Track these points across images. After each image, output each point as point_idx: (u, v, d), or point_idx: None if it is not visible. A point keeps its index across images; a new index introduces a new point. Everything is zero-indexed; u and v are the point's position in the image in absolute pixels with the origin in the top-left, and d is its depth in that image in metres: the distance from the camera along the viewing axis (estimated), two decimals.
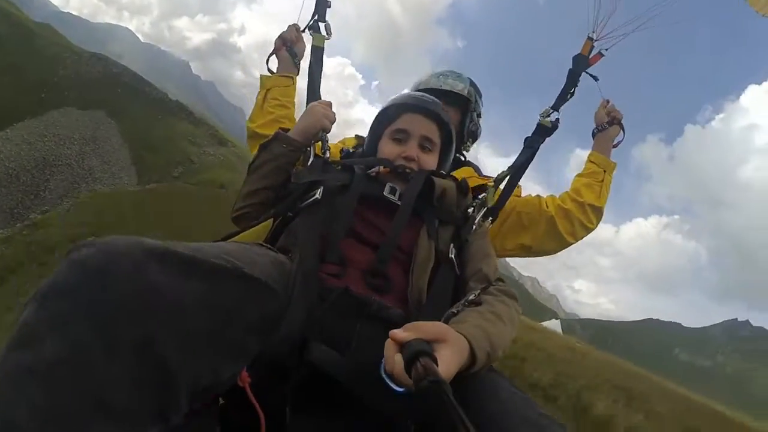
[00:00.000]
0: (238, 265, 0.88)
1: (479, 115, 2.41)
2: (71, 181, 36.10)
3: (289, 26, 2.26)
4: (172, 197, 25.25)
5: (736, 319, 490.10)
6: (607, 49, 2.26)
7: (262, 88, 2.20)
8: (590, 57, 2.24)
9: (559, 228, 2.13)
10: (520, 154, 2.10)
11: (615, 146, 2.32)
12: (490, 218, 1.88)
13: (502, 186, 2.01)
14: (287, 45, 2.22)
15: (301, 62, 2.26)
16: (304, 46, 2.29)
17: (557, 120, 2.15)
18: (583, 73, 2.24)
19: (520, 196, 2.21)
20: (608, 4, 2.18)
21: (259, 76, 2.26)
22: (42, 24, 59.00)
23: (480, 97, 2.43)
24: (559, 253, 2.28)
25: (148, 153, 41.09)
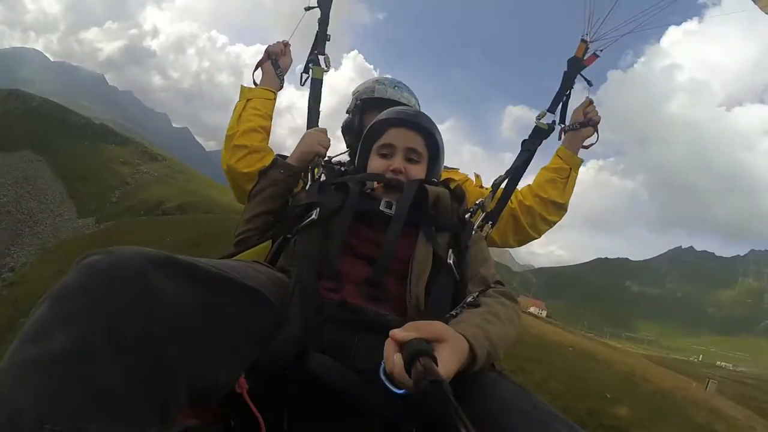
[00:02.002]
0: (235, 275, 0.93)
1: None
2: (14, 228, 34.91)
3: (278, 42, 2.29)
4: (127, 231, 25.87)
5: (680, 246, 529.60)
6: (602, 50, 2.23)
7: (242, 98, 2.16)
8: (585, 58, 2.23)
9: (522, 222, 2.14)
10: (517, 157, 2.13)
11: (586, 147, 2.29)
12: (490, 222, 1.94)
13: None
14: (272, 58, 2.23)
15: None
16: (290, 60, 2.30)
17: (553, 122, 2.17)
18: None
19: (482, 187, 2.24)
20: (601, 6, 2.18)
21: (241, 87, 2.23)
22: None
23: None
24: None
25: (82, 183, 40.51)
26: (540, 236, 2.23)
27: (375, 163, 1.69)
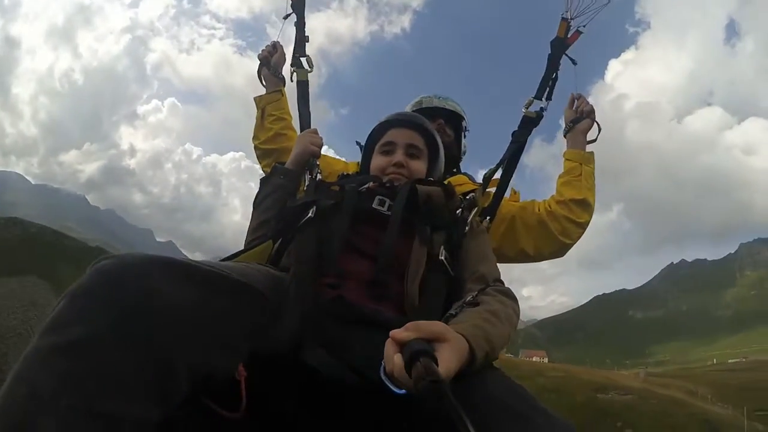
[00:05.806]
0: (229, 273, 0.96)
1: (467, 131, 2.50)
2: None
3: (266, 45, 2.38)
4: None
5: (672, 262, 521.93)
6: (584, 26, 2.17)
7: (258, 108, 2.29)
8: (568, 37, 2.17)
9: (551, 229, 2.08)
10: (507, 149, 2.06)
11: (591, 141, 2.24)
12: (488, 218, 1.91)
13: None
14: (265, 64, 2.32)
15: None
16: (283, 56, 2.36)
17: (542, 109, 2.12)
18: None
19: (518, 202, 2.20)
20: None
21: (253, 99, 2.34)
22: None
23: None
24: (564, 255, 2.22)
25: None
26: (574, 242, 2.15)
27: (377, 160, 1.75)
